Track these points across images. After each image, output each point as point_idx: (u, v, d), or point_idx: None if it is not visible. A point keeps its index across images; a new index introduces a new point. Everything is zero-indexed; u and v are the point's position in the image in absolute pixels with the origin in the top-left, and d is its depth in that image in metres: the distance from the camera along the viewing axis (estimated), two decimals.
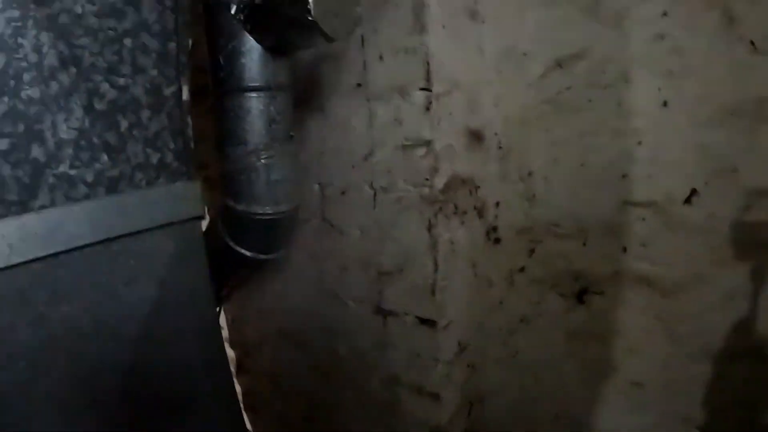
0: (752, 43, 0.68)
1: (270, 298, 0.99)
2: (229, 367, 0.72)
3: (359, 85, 0.77)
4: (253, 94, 0.67)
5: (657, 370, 0.79)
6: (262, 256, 0.75)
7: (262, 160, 0.67)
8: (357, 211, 0.81)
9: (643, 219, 0.78)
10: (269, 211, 0.70)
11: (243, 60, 0.67)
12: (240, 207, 0.69)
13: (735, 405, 0.74)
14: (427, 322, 0.78)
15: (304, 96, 0.81)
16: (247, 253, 0.73)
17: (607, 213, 0.80)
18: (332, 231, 0.85)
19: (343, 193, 0.82)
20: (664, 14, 0.74)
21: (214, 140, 0.71)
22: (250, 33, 0.67)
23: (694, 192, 0.74)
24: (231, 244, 0.73)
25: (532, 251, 0.85)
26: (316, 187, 0.85)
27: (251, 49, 0.67)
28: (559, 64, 0.80)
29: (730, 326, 0.73)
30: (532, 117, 0.82)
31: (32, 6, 0.48)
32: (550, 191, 0.83)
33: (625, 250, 0.80)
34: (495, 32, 0.83)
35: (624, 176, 0.78)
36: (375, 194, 0.78)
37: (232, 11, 0.66)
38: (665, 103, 0.75)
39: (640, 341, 0.80)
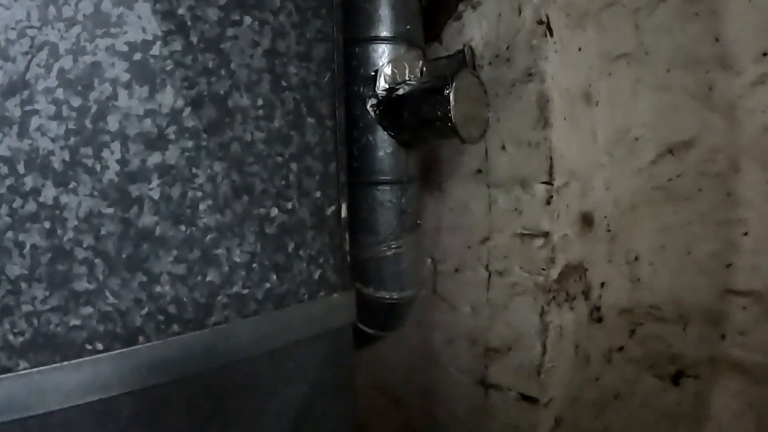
0: None
1: (370, 354, 1.05)
2: None
3: (480, 171, 0.83)
4: (386, 188, 0.73)
5: None
6: (383, 333, 0.81)
7: (392, 250, 0.73)
8: (470, 289, 0.87)
9: (744, 308, 0.81)
10: (395, 297, 0.76)
11: (376, 154, 0.73)
12: (367, 291, 0.75)
13: None
14: (529, 399, 0.84)
15: (422, 175, 0.86)
16: (370, 331, 0.79)
17: (708, 300, 0.84)
18: (442, 304, 0.91)
19: (456, 270, 0.88)
20: None
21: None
22: (385, 129, 0.72)
23: None
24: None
25: (632, 332, 0.90)
26: (429, 261, 0.91)
27: (385, 144, 0.73)
28: (670, 150, 0.85)
29: None
30: (641, 202, 0.87)
31: (204, 135, 0.53)
32: (655, 276, 0.87)
33: (723, 337, 0.83)
34: (608, 115, 0.88)
35: (728, 266, 0.82)
36: (489, 276, 0.84)
37: (368, 106, 0.72)
38: None
39: (730, 426, 0.84)
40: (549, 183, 0.77)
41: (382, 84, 0.71)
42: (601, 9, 0.88)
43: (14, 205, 0.43)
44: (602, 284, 0.91)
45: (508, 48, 0.80)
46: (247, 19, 0.55)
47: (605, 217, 0.90)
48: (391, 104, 0.71)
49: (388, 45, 0.73)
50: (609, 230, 0.90)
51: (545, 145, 0.76)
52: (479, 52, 0.82)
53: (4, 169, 0.43)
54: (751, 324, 0.81)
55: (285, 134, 0.59)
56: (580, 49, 0.85)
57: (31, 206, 0.44)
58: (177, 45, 0.51)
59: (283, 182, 0.58)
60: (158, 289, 0.51)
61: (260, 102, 0.56)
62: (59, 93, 0.46)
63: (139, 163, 0.49)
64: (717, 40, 0.81)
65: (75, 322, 0.47)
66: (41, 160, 0.45)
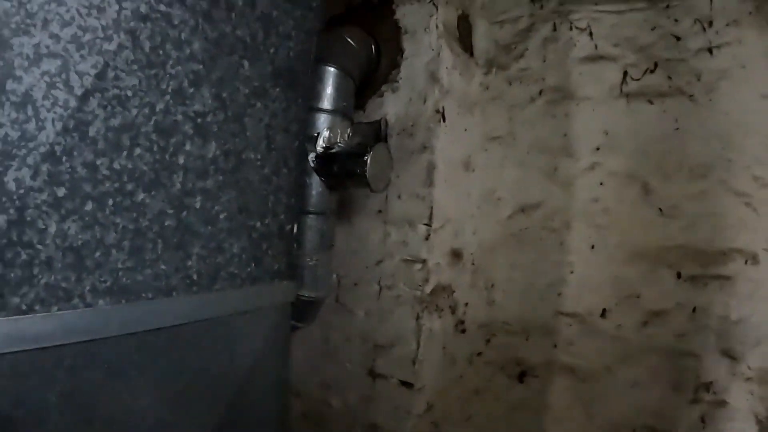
0: (660, 209, 1.12)
1: None
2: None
3: (380, 211, 1.20)
4: (314, 216, 1.08)
5: None
6: (299, 324, 1.15)
7: (313, 261, 1.08)
8: (365, 299, 1.22)
9: (570, 325, 1.20)
10: (312, 296, 1.11)
11: (311, 192, 1.09)
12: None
13: None
14: (407, 384, 1.18)
15: (338, 211, 1.21)
16: (291, 322, 1.13)
17: (544, 318, 1.22)
18: (342, 310, 1.26)
19: (355, 284, 1.24)
20: (601, 184, 1.18)
21: None
22: (319, 175, 1.08)
23: (606, 310, 1.16)
24: None
25: (488, 341, 1.28)
26: (334, 276, 1.26)
27: (317, 185, 1.09)
28: (522, 209, 1.24)
29: (632, 406, 1.09)
30: (498, 245, 1.26)
31: (229, 174, 0.87)
32: (506, 299, 1.25)
33: (555, 346, 1.21)
34: (480, 180, 1.27)
35: (559, 294, 1.21)
36: (380, 290, 1.20)
37: (309, 158, 1.07)
38: (593, 246, 1.18)
39: (563, 415, 1.17)
40: (429, 225, 1.14)
41: (320, 143, 1.07)
42: (487, 101, 1.28)
43: (117, 200, 0.71)
44: (466, 304, 1.29)
45: (412, 125, 1.17)
46: (258, 104, 0.91)
47: (471, 254, 1.29)
48: (326, 159, 1.07)
49: (328, 115, 1.09)
50: (473, 264, 1.28)
51: (428, 198, 1.14)
52: (392, 124, 1.20)
53: (114, 177, 0.71)
54: (575, 337, 1.19)
55: (269, 177, 0.95)
56: (465, 130, 1.24)
57: (127, 202, 0.73)
58: (220, 116, 0.85)
59: (265, 207, 0.94)
60: (189, 263, 0.82)
61: (259, 156, 0.92)
62: (153, 136, 0.75)
63: (191, 185, 0.81)
64: (565, 135, 1.21)
65: (139, 278, 0.75)
66: (138, 175, 0.74)
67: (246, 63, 0.88)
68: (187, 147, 0.80)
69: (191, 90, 0.80)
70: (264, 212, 0.94)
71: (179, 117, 0.78)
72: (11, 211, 0.59)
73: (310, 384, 1.33)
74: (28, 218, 0.61)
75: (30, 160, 0.61)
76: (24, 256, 0.61)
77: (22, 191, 0.60)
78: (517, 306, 1.25)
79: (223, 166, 0.86)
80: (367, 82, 1.23)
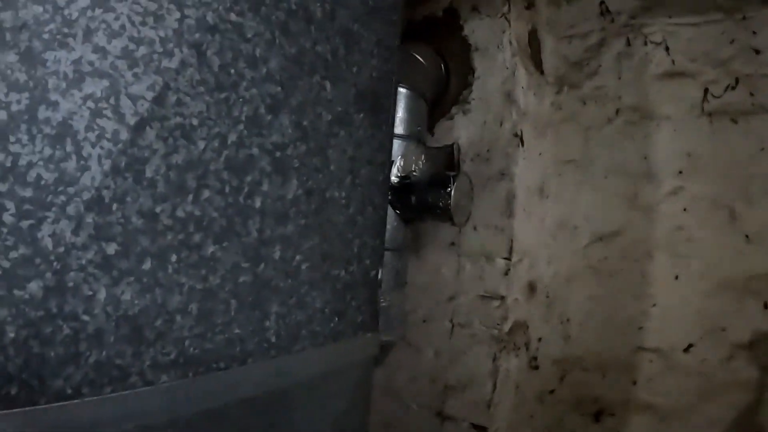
0: (746, 236, 1.08)
1: None
2: None
3: (453, 243, 1.15)
4: (389, 253, 1.02)
5: None
6: None
7: (387, 302, 1.02)
8: (435, 337, 1.17)
9: (651, 361, 1.16)
10: (386, 339, 1.05)
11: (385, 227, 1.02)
12: None
13: None
14: (480, 428, 1.14)
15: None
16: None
17: (624, 354, 1.18)
18: (409, 348, 1.21)
19: (424, 321, 1.18)
20: (684, 210, 1.13)
21: None
22: (394, 208, 1.02)
23: (691, 345, 1.12)
24: None
25: (562, 378, 1.23)
26: None
27: (391, 219, 1.03)
28: (600, 238, 1.19)
29: None
30: (575, 276, 1.21)
31: (311, 217, 0.77)
32: (582, 334, 1.21)
33: (634, 383, 1.17)
34: (555, 207, 1.22)
35: (640, 328, 1.17)
36: (453, 327, 1.15)
37: None
38: (676, 277, 1.14)
39: None
40: (508, 258, 1.09)
41: (395, 172, 1.01)
42: (560, 122, 1.23)
43: (182, 255, 0.62)
44: (539, 339, 1.24)
45: (488, 151, 1.12)
46: (342, 133, 0.82)
47: (545, 286, 1.24)
48: (401, 189, 1.01)
49: (402, 141, 1.04)
50: (548, 296, 1.24)
51: (508, 230, 1.09)
52: (464, 149, 1.14)
53: (178, 227, 0.62)
54: (656, 373, 1.16)
55: (354, 218, 0.86)
56: (540, 154, 1.19)
57: (194, 257, 0.64)
58: (302, 148, 0.75)
59: (350, 252, 0.86)
60: (266, 323, 0.72)
61: (344, 194, 0.83)
62: (224, 174, 0.63)
63: (270, 232, 0.71)
64: (645, 158, 1.17)
65: (209, 346, 0.65)
66: (207, 223, 0.65)
67: (328, 84, 0.79)
68: (265, 187, 0.70)
69: (269, 117, 0.69)
70: (349, 258, 0.86)
71: (255, 150, 0.68)
72: (48, 275, 0.49)
73: (371, 424, 1.28)
74: (71, 283, 0.50)
75: (71, 210, 0.50)
76: (67, 331, 0.51)
77: (61, 249, 0.49)
78: (595, 341, 1.20)
79: (305, 208, 0.77)
80: (435, 103, 1.18)
